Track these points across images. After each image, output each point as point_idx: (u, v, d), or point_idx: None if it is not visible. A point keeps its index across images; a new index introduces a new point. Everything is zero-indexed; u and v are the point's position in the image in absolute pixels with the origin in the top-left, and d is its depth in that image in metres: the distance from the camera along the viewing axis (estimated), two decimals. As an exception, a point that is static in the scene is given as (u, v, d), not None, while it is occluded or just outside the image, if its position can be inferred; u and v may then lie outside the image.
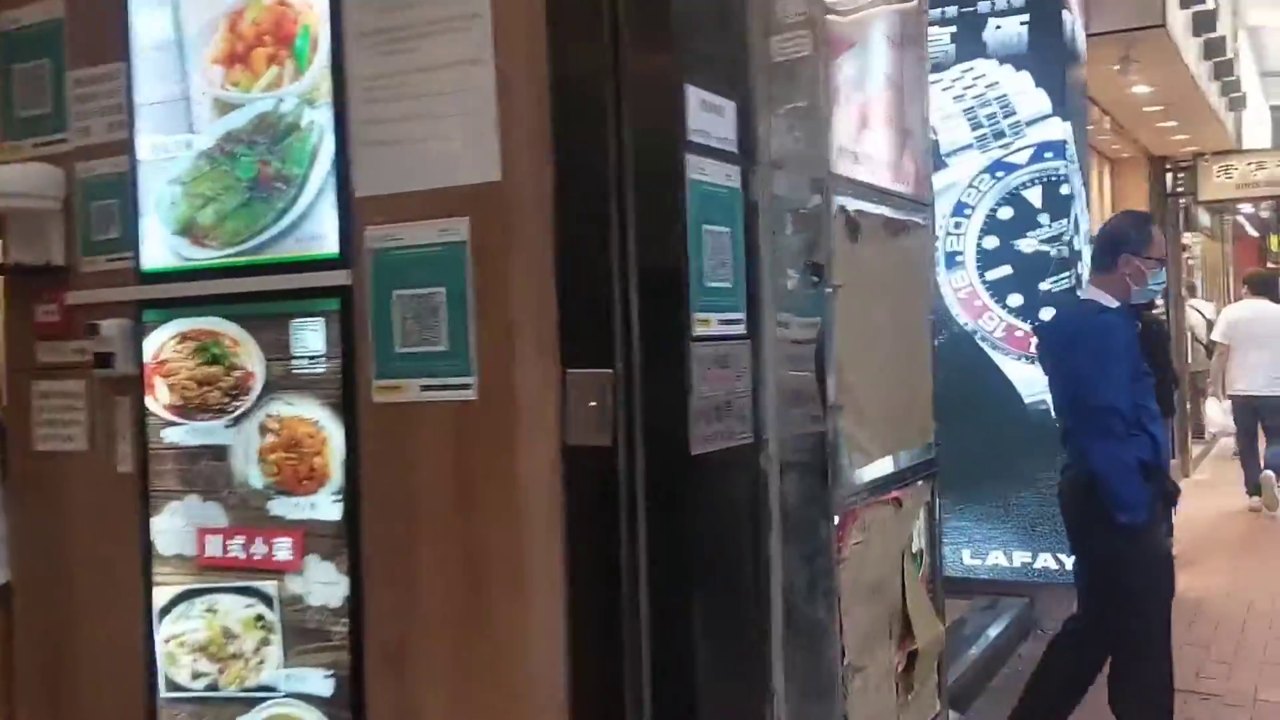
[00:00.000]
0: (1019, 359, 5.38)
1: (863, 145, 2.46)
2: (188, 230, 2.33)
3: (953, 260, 5.49)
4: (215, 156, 2.29)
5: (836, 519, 2.24)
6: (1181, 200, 10.81)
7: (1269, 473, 8.42)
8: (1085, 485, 3.55)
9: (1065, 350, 3.69)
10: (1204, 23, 7.04)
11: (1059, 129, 5.30)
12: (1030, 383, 5.35)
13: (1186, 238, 12.58)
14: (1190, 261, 14.19)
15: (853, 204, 2.37)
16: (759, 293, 2.25)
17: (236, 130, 2.27)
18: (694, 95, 2.09)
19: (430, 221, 2.08)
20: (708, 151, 2.12)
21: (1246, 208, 16.35)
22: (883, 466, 2.46)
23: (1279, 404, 8.28)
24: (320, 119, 2.18)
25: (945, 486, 5.48)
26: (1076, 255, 5.45)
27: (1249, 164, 9.76)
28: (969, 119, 5.44)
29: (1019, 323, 5.38)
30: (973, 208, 5.46)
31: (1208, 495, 9.57)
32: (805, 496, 2.24)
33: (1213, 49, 7.53)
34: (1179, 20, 6.51)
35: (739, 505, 2.22)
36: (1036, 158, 5.34)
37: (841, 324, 2.26)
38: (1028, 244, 5.37)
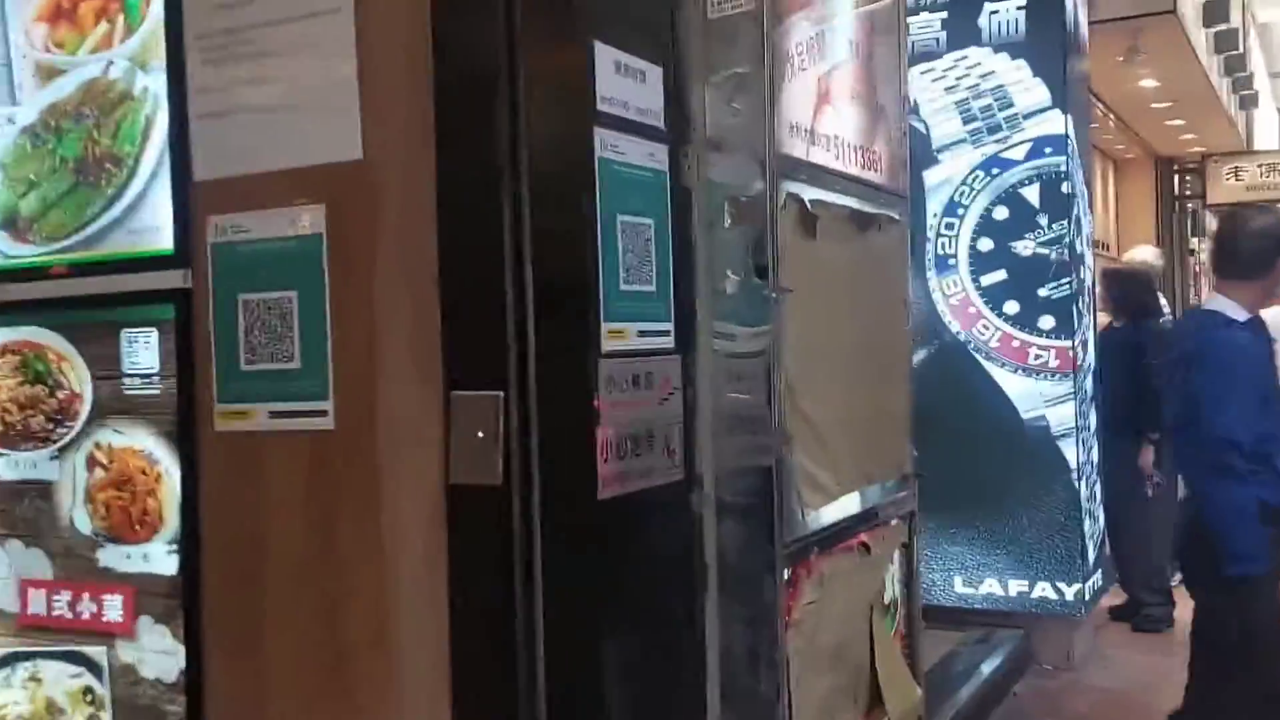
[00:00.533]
0: (1016, 371, 4.98)
1: (822, 124, 2.07)
2: (9, 223, 1.94)
3: (944, 264, 5.10)
4: (38, 133, 1.91)
5: (786, 573, 1.85)
6: (1189, 204, 10.42)
7: None
8: (1194, 522, 3.11)
9: (1188, 366, 3.19)
10: (1216, 13, 6.64)
11: (1059, 122, 4.90)
12: (1028, 397, 4.96)
13: (1193, 243, 12.18)
14: (1197, 269, 13.80)
15: (809, 192, 1.98)
16: (692, 298, 1.86)
17: (62, 101, 1.88)
18: (605, 56, 1.70)
19: (280, 210, 1.69)
20: (624, 125, 1.73)
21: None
22: (846, 505, 2.07)
23: None
24: (154, 86, 1.79)
25: (935, 508, 5.08)
26: (1079, 259, 5.05)
27: (1260, 166, 9.36)
28: (962, 111, 5.05)
29: (1016, 331, 4.98)
30: (966, 207, 5.07)
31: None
32: (748, 546, 1.85)
33: (1224, 42, 7.15)
34: (1190, 7, 6.12)
35: (666, 558, 1.83)
36: (1035, 153, 4.94)
37: (795, 335, 1.87)
38: (1025, 247, 4.97)
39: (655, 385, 1.76)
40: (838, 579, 2.00)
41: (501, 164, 1.65)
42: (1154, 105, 7.60)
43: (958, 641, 4.86)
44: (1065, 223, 4.92)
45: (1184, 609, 5.97)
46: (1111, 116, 8.04)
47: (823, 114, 2.06)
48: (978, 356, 5.05)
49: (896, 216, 2.37)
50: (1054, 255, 4.94)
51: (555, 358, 1.64)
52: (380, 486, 1.65)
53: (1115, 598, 5.85)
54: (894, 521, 2.30)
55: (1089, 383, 5.20)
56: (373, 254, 1.65)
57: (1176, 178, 9.97)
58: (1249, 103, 8.93)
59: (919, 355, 5.14)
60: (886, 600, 2.28)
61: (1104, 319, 6.29)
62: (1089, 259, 5.32)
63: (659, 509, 1.80)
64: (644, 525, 1.78)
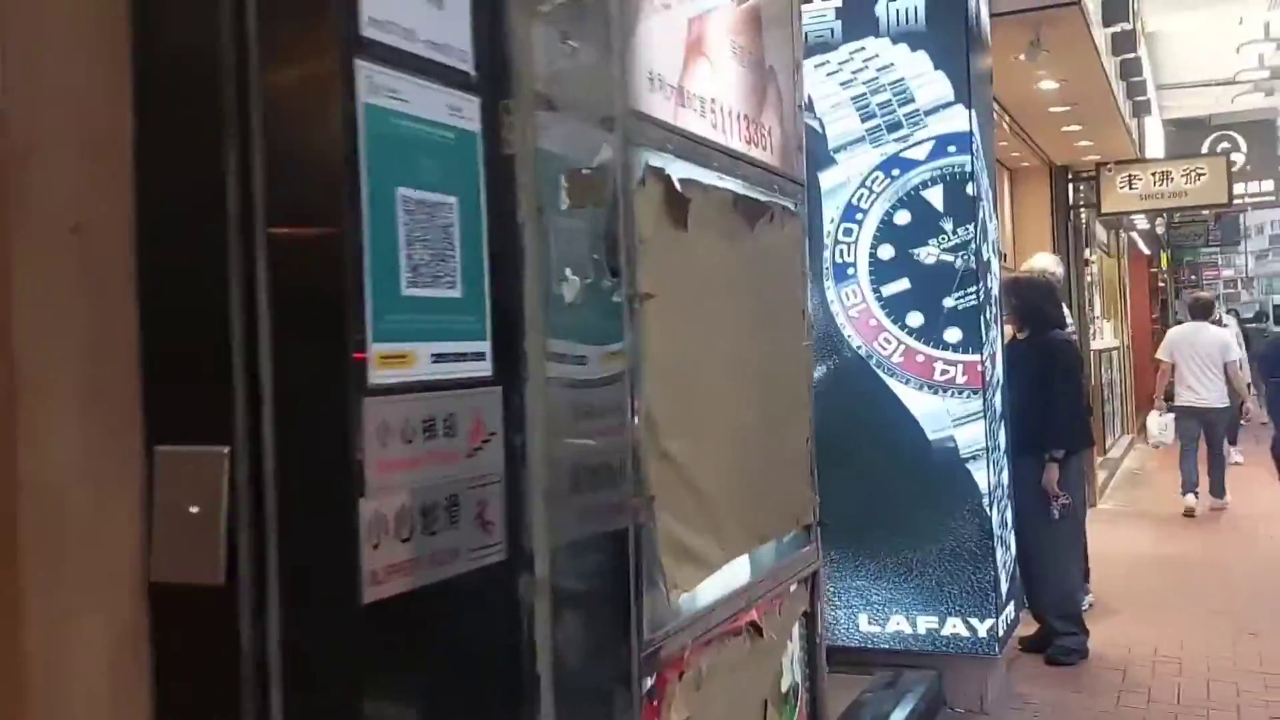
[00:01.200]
0: (921, 388, 4.58)
1: (695, 80, 1.59)
2: None
3: (843, 273, 4.68)
4: None
5: (649, 681, 1.35)
6: (1083, 213, 10.28)
7: (1191, 496, 9.37)
8: None
9: None
10: (1115, 12, 6.40)
11: (963, 119, 4.54)
12: (935, 416, 4.56)
13: (1086, 253, 12.11)
14: (1089, 279, 13.78)
15: (678, 168, 1.49)
16: (518, 307, 1.35)
17: None
18: (376, -40, 1.19)
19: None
20: (407, 62, 1.22)
21: (1142, 223, 16.09)
22: (730, 578, 1.58)
23: (1215, 415, 9.35)
24: None
25: (837, 540, 4.65)
26: (985, 266, 4.69)
27: (1153, 174, 9.24)
28: (859, 108, 4.65)
29: (920, 345, 4.59)
30: (865, 211, 4.67)
31: (1119, 528, 8.97)
32: (595, 648, 1.35)
33: (1122, 43, 6.93)
34: (1092, 1, 5.85)
35: (480, 671, 1.32)
36: (938, 152, 4.57)
37: (661, 356, 1.38)
38: (929, 253, 4.59)
39: (461, 431, 1.25)
40: (719, 676, 1.51)
41: (224, 112, 1.12)
42: (1053, 110, 7.36)
43: (865, 686, 4.43)
44: (970, 227, 4.55)
45: (1096, 638, 5.67)
46: (1007, 120, 7.78)
47: (695, 67, 1.58)
48: (880, 373, 4.64)
49: (792, 208, 1.90)
50: (959, 262, 4.57)
51: (300, 397, 1.12)
52: (26, 591, 1.10)
53: (1026, 627, 5.50)
54: (794, 587, 1.82)
55: (999, 399, 4.84)
56: (6, 242, 1.11)
57: (1071, 186, 9.81)
58: (1142, 110, 8.79)
59: (819, 372, 4.72)
60: (784, 688, 1.80)
61: (1009, 331, 5.98)
62: (995, 266, 4.97)
63: (470, 604, 1.28)
64: (447, 629, 1.26)
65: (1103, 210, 9.57)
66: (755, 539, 1.67)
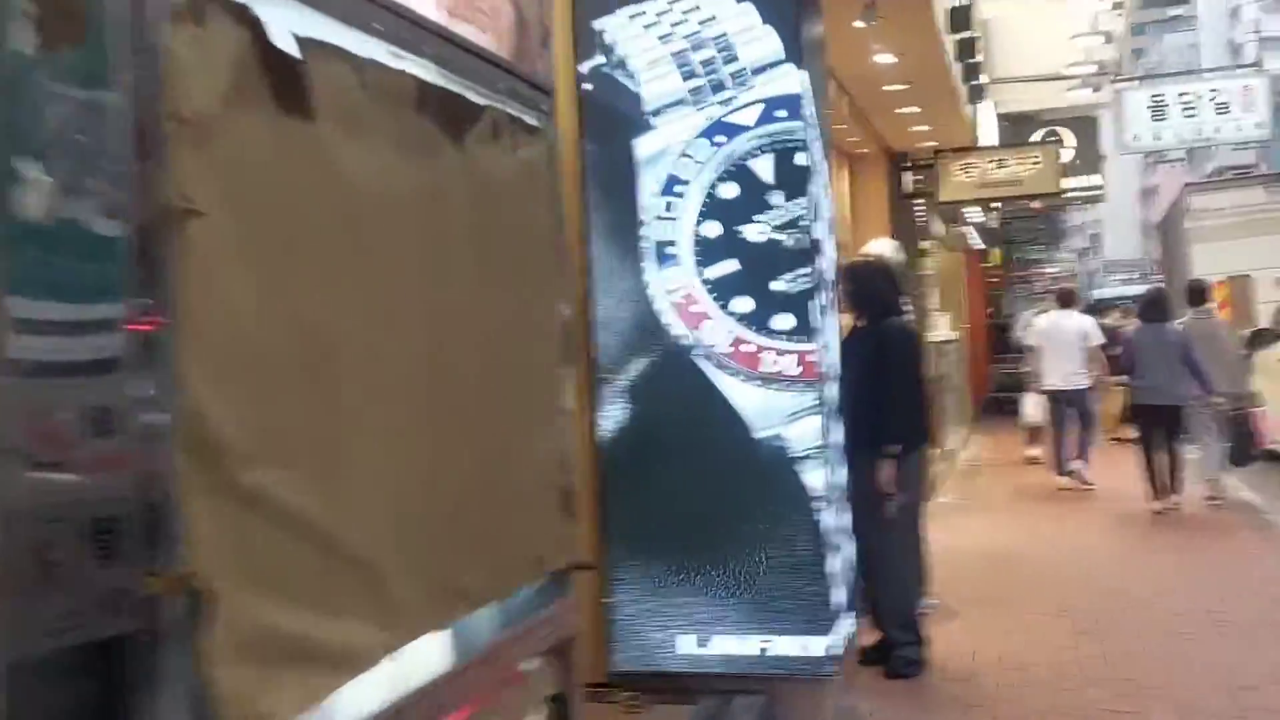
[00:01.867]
0: (749, 381, 4.11)
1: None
2: None
3: (665, 254, 4.17)
4: None
5: None
6: (920, 202, 10.10)
7: (1078, 463, 9.95)
8: None
9: None
10: (952, -18, 6.11)
11: (793, 80, 4.08)
12: (763, 412, 4.09)
13: (924, 245, 11.99)
14: (930, 274, 13.74)
15: (287, 14, 0.91)
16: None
17: None
18: None
19: None
20: None
21: (976, 217, 16.21)
22: (402, 673, 1.02)
23: (1079, 396, 9.88)
24: None
25: (654, 551, 4.14)
26: (819, 246, 4.25)
27: (989, 161, 9.08)
28: (680, 65, 4.15)
29: (749, 333, 4.11)
30: (688, 184, 4.17)
31: (959, 523, 8.77)
32: None
33: (959, 21, 6.66)
34: (930, -34, 5.51)
35: None
36: (766, 117, 4.10)
37: (228, 327, 0.80)
38: (758, 231, 4.12)
39: None
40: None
41: None
42: (889, 88, 7.04)
43: (689, 717, 3.93)
44: (802, 201, 4.09)
45: (940, 645, 5.33)
46: (846, 101, 7.44)
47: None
48: (705, 364, 4.14)
49: (535, 124, 1.34)
50: (790, 241, 4.11)
51: None
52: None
53: (866, 636, 5.11)
54: (532, 664, 1.26)
55: (834, 393, 4.40)
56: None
57: (909, 174, 9.60)
58: (977, 95, 8.61)
59: (637, 366, 4.20)
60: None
61: (847, 320, 5.59)
62: (831, 247, 4.53)
63: None
64: None
65: (940, 198, 9.38)
66: (452, 607, 1.11)
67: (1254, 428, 9.19)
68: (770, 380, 4.10)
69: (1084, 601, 6.16)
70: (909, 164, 9.59)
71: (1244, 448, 9.09)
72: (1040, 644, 5.39)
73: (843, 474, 4.44)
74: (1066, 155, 13.83)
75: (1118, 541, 8.10)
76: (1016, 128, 14.98)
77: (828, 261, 4.44)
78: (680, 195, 4.17)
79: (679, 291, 4.17)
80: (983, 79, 8.68)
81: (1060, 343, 9.79)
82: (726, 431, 4.12)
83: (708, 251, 4.15)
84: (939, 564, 6.45)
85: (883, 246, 6.16)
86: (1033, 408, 10.68)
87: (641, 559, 4.16)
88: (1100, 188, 16.43)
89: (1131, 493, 9.28)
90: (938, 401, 12.35)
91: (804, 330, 4.09)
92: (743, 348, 4.12)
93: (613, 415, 4.19)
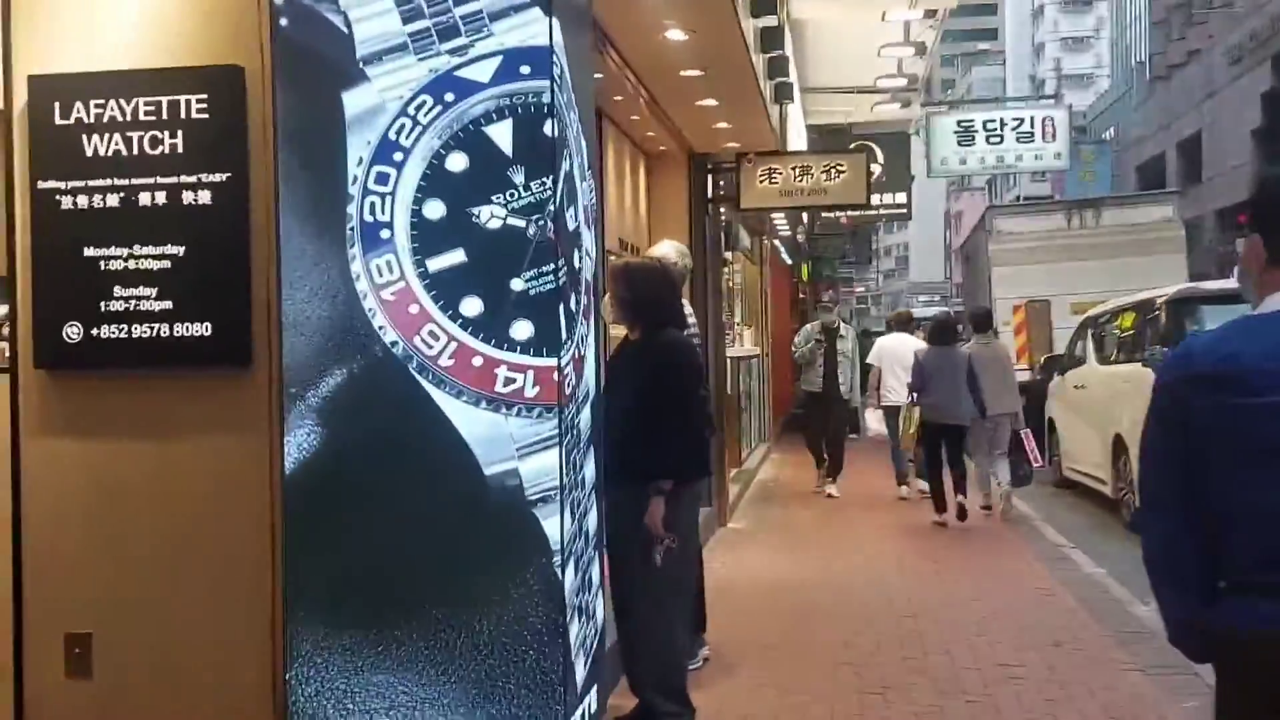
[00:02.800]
0: (478, 403, 3.28)
1: None
2: None
3: (375, 236, 3.30)
4: None
5: None
6: (723, 209, 9.49)
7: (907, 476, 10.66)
8: None
9: None
10: (753, -44, 5.45)
11: (540, 29, 3.27)
12: (494, 442, 3.27)
13: (728, 255, 11.45)
14: (732, 285, 13.26)
15: None
16: None
17: None
18: None
19: None
20: None
21: (784, 229, 15.89)
22: None
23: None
24: None
25: (348, 618, 3.27)
26: (572, 238, 3.47)
27: (793, 168, 8.55)
28: (400, 3, 3.29)
29: (478, 344, 3.29)
30: (408, 151, 3.31)
31: (746, 553, 8.18)
32: None
33: (761, 5, 6.05)
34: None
35: None
36: (507, 74, 3.28)
37: None
38: (493, 214, 3.30)
39: None
40: None
41: None
42: (685, 74, 6.35)
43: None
44: (548, 181, 3.30)
45: (709, 708, 4.64)
46: (644, 95, 6.72)
47: None
48: (422, 380, 3.30)
49: None
50: (533, 230, 3.31)
51: None
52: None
53: (625, 699, 4.38)
54: None
55: (585, 420, 3.62)
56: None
57: (711, 178, 8.97)
58: (784, 94, 8.04)
59: (334, 379, 3.32)
60: None
61: (620, 331, 4.89)
62: (589, 240, 3.75)
63: None
64: None
65: (742, 205, 8.78)
66: None
67: (1026, 448, 9.95)
68: (503, 403, 3.29)
69: (868, 649, 5.61)
70: (711, 167, 8.97)
71: (1019, 467, 9.81)
72: (821, 705, 4.76)
73: (593, 519, 3.66)
74: (876, 170, 13.59)
75: (910, 570, 7.66)
76: (826, 141, 14.70)
77: (585, 259, 3.66)
78: (398, 165, 3.31)
79: (391, 287, 3.30)
80: (791, 79, 8.11)
81: (896, 362, 10.67)
82: (446, 466, 3.29)
83: (429, 237, 3.30)
84: (720, 601, 5.80)
85: (666, 250, 5.46)
86: (875, 422, 11.93)
87: (331, 626, 3.27)
88: (906, 205, 16.41)
89: (927, 510, 9.41)
90: (734, 421, 11.89)
91: (547, 341, 3.29)
92: (472, 361, 3.29)
93: (302, 442, 3.29)
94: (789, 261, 21.36)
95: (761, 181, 8.67)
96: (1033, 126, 22.62)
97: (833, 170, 8.64)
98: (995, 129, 22.60)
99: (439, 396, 3.29)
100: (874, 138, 14.55)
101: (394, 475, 3.30)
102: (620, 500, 4.11)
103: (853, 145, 13.90)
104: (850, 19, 10.02)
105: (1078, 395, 11.52)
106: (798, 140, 11.39)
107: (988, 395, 9.17)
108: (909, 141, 16.68)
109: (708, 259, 8.92)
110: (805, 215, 14.88)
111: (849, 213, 16.14)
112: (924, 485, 9.86)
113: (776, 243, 17.89)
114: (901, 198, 16.04)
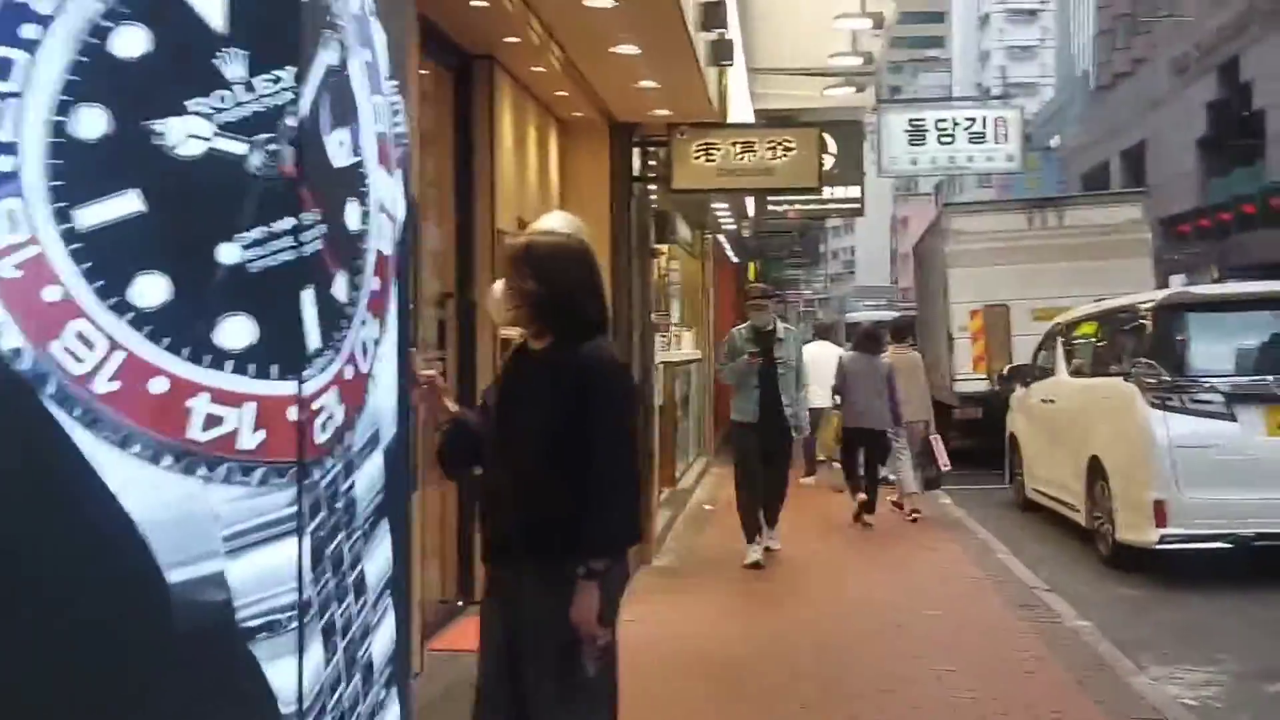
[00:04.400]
0: (159, 459, 1.89)
1: None
2: None
3: (-14, 168, 1.90)
4: None
5: None
6: (653, 191, 8.14)
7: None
8: None
9: None
10: None
11: None
12: (184, 526, 1.89)
13: (661, 248, 10.11)
14: (671, 283, 11.94)
15: None
16: None
17: None
18: None
19: None
20: None
21: (729, 223, 14.58)
22: None
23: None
24: None
25: None
26: (346, 178, 2.11)
27: (734, 144, 7.22)
28: None
29: (162, 357, 1.90)
30: (46, 21, 1.92)
31: (671, 601, 6.84)
32: None
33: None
34: None
35: None
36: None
37: None
38: (190, 133, 1.91)
39: None
40: None
41: None
42: (595, 5, 4.97)
43: None
44: (286, 77, 1.92)
45: None
46: (538, 34, 5.34)
47: None
48: (62, 415, 1.91)
49: None
50: (258, 159, 1.93)
51: None
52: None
53: None
54: None
55: (369, 480, 2.23)
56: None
57: (638, 152, 7.63)
58: (723, 54, 6.70)
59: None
60: None
61: (511, 333, 3.54)
62: (386, 188, 2.36)
63: None
64: None
65: (674, 184, 7.43)
66: None
67: (934, 452, 10.20)
68: (202, 459, 1.90)
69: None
70: (639, 140, 7.63)
71: (928, 470, 10.13)
72: None
73: (381, 645, 2.27)
74: (828, 162, 12.33)
75: (860, 622, 6.35)
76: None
77: (377, 217, 2.28)
78: (26, 44, 1.92)
79: (14, 255, 1.91)
80: (732, 37, 6.78)
81: (819, 370, 10.40)
82: (97, 568, 1.90)
83: (81, 171, 1.91)
84: (632, 679, 4.44)
85: (554, 223, 4.05)
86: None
87: None
88: (860, 200, 15.20)
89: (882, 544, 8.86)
90: (670, 434, 10.59)
91: (280, 353, 1.92)
92: (146, 384, 1.91)
93: None
94: (735, 260, 20.11)
95: (697, 158, 7.33)
96: (985, 127, 21.87)
97: (780, 148, 7.33)
98: (947, 129, 21.80)
99: (90, 445, 1.90)
100: (826, 125, 13.21)
101: (6, 579, 1.90)
102: (525, 586, 2.80)
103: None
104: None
105: (1046, 410, 10.38)
106: (742, 107, 10.08)
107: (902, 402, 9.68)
108: (862, 131, 15.45)
109: (633, 246, 7.57)
110: (752, 206, 13.55)
111: (796, 205, 14.89)
112: (837, 483, 10.26)
113: (720, 238, 16.60)
114: (855, 192, 14.80)
